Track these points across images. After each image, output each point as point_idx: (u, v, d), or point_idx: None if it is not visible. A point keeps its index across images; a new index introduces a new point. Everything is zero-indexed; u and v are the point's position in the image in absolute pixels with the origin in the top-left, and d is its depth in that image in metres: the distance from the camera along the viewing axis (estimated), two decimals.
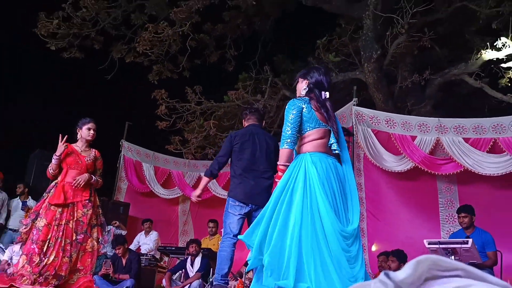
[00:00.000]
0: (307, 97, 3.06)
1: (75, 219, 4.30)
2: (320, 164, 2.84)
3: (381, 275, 0.63)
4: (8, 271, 4.29)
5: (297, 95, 3.22)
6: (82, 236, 4.31)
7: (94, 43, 8.54)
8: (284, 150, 2.96)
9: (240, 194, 3.98)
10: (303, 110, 2.97)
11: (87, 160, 4.54)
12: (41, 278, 4.02)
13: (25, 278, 3.97)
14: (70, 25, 8.03)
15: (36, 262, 4.08)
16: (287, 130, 2.93)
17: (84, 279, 4.27)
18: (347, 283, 2.49)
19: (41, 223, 4.21)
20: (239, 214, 3.96)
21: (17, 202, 7.59)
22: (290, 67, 10.32)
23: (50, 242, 4.16)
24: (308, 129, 2.98)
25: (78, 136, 4.65)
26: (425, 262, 0.62)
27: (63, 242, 4.20)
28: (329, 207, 2.69)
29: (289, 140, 2.92)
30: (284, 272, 2.58)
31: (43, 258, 4.09)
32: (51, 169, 4.44)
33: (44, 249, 4.13)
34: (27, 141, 9.49)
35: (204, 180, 4.21)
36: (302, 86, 3.19)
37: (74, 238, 4.26)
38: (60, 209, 4.26)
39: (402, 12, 7.59)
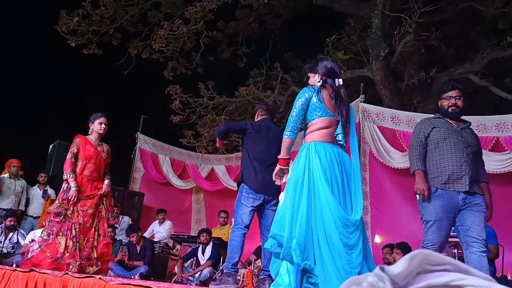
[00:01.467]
0: (318, 86, 2.99)
1: (93, 209, 4.57)
2: (324, 153, 2.82)
3: (377, 269, 0.66)
4: (29, 255, 4.51)
5: None
6: (95, 225, 4.62)
7: (112, 40, 8.82)
8: (285, 140, 2.96)
9: (255, 184, 4.01)
10: (312, 100, 2.92)
11: (104, 156, 4.72)
12: (84, 261, 4.35)
13: (71, 266, 4.23)
14: (89, 22, 8.31)
15: (71, 247, 4.35)
16: (291, 117, 2.93)
17: (104, 241, 4.66)
18: (342, 271, 2.55)
19: (69, 211, 4.47)
20: (251, 206, 3.99)
21: (36, 190, 7.84)
22: (299, 64, 10.54)
23: (75, 227, 4.43)
24: (315, 117, 2.92)
25: (90, 131, 4.75)
26: (418, 256, 0.65)
27: (84, 227, 4.50)
28: (330, 195, 2.69)
29: (289, 130, 2.92)
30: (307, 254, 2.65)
31: (76, 243, 4.37)
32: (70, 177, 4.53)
33: (74, 234, 4.40)
34: (48, 132, 9.80)
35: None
36: (315, 80, 3.08)
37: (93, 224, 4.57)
38: (81, 200, 4.52)
39: (409, 11, 7.75)
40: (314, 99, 2.92)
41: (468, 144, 3.48)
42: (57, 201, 4.62)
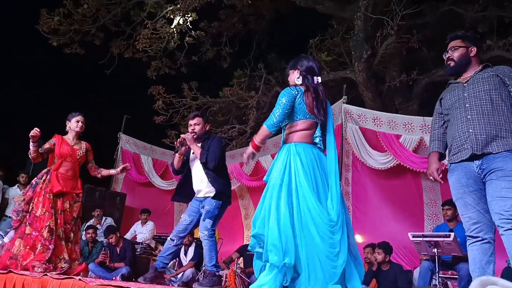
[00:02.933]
0: (301, 87, 3.03)
1: (64, 209, 4.49)
2: (304, 154, 2.89)
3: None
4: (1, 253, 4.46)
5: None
6: (70, 227, 4.52)
7: (94, 39, 8.73)
8: (264, 130, 2.97)
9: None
10: (296, 100, 2.97)
11: (79, 154, 4.70)
12: (51, 265, 4.22)
13: (36, 267, 4.11)
14: (71, 21, 8.21)
15: (39, 249, 4.24)
16: (276, 114, 2.93)
17: (81, 267, 4.58)
18: (326, 270, 2.64)
19: (39, 211, 4.37)
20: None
21: (16, 191, 7.72)
22: (283, 65, 10.58)
23: (51, 228, 4.33)
24: (296, 119, 2.99)
25: (67, 128, 4.78)
26: (487, 282, 0.67)
27: (60, 229, 4.41)
28: (312, 194, 2.76)
29: (272, 125, 2.94)
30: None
31: (50, 246, 4.27)
32: (29, 153, 4.54)
33: (45, 235, 4.29)
34: (27, 132, 9.65)
35: None
36: (294, 76, 3.15)
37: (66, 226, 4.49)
38: (54, 198, 4.45)
39: (392, 14, 7.85)
40: (297, 100, 2.98)
41: (474, 96, 2.84)
42: (21, 197, 4.55)
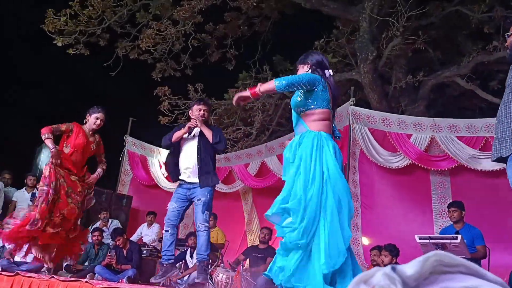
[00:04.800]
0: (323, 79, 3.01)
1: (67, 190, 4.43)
2: (333, 145, 2.92)
3: (388, 269, 0.63)
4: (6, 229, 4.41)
5: None
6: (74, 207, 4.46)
7: (99, 40, 8.74)
8: (273, 86, 2.89)
9: None
10: (319, 87, 2.95)
11: (92, 147, 4.71)
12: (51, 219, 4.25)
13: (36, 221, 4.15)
14: (77, 22, 8.23)
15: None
16: (292, 80, 2.88)
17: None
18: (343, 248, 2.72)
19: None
20: None
21: (23, 193, 7.74)
22: (288, 67, 10.58)
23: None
24: (321, 106, 2.95)
25: (85, 121, 4.73)
26: (432, 258, 0.64)
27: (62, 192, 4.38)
28: (346, 183, 2.89)
29: (282, 88, 2.89)
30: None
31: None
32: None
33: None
34: (34, 135, 9.69)
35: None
36: (304, 71, 3.10)
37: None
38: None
39: (397, 15, 7.83)
40: (322, 87, 2.96)
41: None
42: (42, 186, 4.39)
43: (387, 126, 6.70)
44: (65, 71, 10.90)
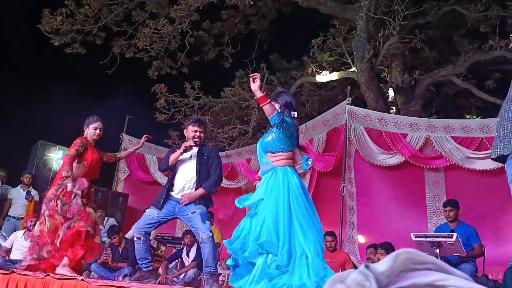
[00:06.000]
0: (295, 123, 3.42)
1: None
2: (297, 176, 3.31)
3: (361, 267, 0.66)
4: (23, 263, 4.26)
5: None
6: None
7: (96, 39, 8.73)
8: (273, 112, 3.11)
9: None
10: (294, 133, 3.37)
11: (99, 159, 4.46)
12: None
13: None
14: (73, 21, 8.22)
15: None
16: (285, 125, 3.19)
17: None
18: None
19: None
20: None
21: (19, 191, 7.74)
22: (285, 65, 10.59)
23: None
24: (291, 148, 3.37)
25: (84, 134, 4.48)
26: (403, 255, 0.66)
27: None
28: (313, 208, 3.26)
29: (277, 121, 3.11)
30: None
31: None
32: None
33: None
34: (30, 132, 9.70)
35: (202, 193, 4.24)
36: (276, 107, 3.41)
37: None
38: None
39: (394, 14, 7.85)
40: (295, 131, 3.38)
41: None
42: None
43: (383, 126, 6.73)
44: (62, 69, 10.88)
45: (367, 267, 0.65)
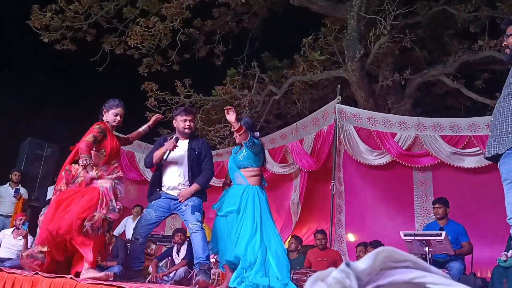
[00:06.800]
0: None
1: None
2: (265, 197, 4.05)
3: (342, 265, 0.67)
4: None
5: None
6: None
7: (86, 36, 8.67)
8: (246, 138, 3.84)
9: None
10: (262, 150, 4.12)
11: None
12: None
13: None
14: (63, 17, 8.14)
15: None
16: (256, 143, 3.97)
17: None
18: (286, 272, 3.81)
19: None
20: None
21: (6, 189, 7.67)
22: (277, 64, 10.59)
23: None
24: (260, 165, 4.13)
25: (103, 118, 4.06)
26: (383, 253, 0.67)
27: None
28: (273, 224, 4.00)
29: (249, 143, 3.89)
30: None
31: None
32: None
33: None
34: (18, 129, 9.60)
35: (196, 188, 4.16)
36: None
37: None
38: None
39: (384, 14, 7.88)
40: (261, 149, 4.11)
41: None
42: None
43: (372, 125, 6.76)
44: (52, 66, 10.79)
45: (347, 265, 0.65)
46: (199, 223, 4.01)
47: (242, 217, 3.88)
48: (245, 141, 3.81)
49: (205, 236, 4.03)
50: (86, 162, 3.69)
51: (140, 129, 4.57)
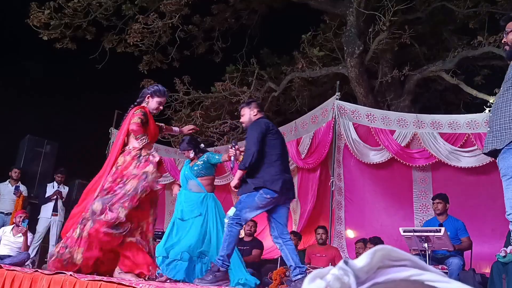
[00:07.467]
0: None
1: None
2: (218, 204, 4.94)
3: (341, 263, 0.66)
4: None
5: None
6: None
7: (85, 34, 8.64)
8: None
9: (278, 186, 3.75)
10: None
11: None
12: None
13: None
14: (62, 15, 8.11)
15: None
16: (216, 160, 4.98)
17: None
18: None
19: None
20: (263, 208, 3.81)
21: (6, 186, 7.68)
22: (276, 60, 10.58)
23: None
24: (212, 174, 5.01)
25: (144, 103, 3.92)
26: (380, 251, 0.66)
27: None
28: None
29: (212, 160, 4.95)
30: None
31: None
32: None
33: None
34: (18, 126, 9.60)
35: (239, 172, 3.91)
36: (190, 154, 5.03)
37: None
38: None
39: (384, 10, 7.86)
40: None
41: None
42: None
43: (371, 122, 6.76)
44: (51, 63, 10.77)
45: (346, 263, 0.65)
46: (227, 219, 3.82)
47: (205, 220, 4.66)
48: (217, 161, 4.94)
49: (228, 235, 3.80)
50: (144, 141, 3.63)
51: (174, 128, 4.50)
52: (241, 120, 4.23)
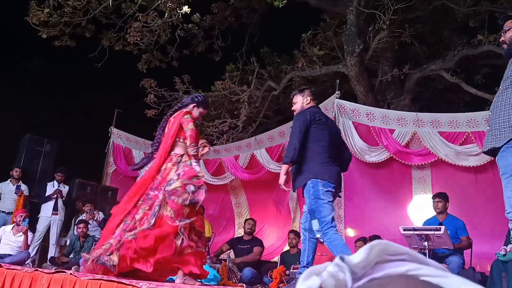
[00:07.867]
0: None
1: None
2: None
3: (336, 259, 0.67)
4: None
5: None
6: None
7: (85, 32, 8.62)
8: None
9: (334, 176, 3.63)
10: None
11: None
12: None
13: None
14: (61, 13, 8.10)
15: None
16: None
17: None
18: None
19: None
20: (330, 202, 3.63)
21: (7, 185, 7.67)
22: (276, 59, 10.57)
23: None
24: None
25: (189, 109, 3.85)
26: (377, 246, 0.66)
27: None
28: None
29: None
30: None
31: None
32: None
33: None
34: (18, 126, 9.60)
35: (284, 167, 3.75)
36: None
37: None
38: None
39: (384, 8, 7.85)
40: None
41: None
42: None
43: (370, 121, 6.75)
44: (51, 63, 10.77)
45: (342, 259, 0.65)
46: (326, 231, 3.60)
47: None
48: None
49: (339, 243, 3.61)
50: (195, 152, 3.57)
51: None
52: (293, 108, 4.04)
